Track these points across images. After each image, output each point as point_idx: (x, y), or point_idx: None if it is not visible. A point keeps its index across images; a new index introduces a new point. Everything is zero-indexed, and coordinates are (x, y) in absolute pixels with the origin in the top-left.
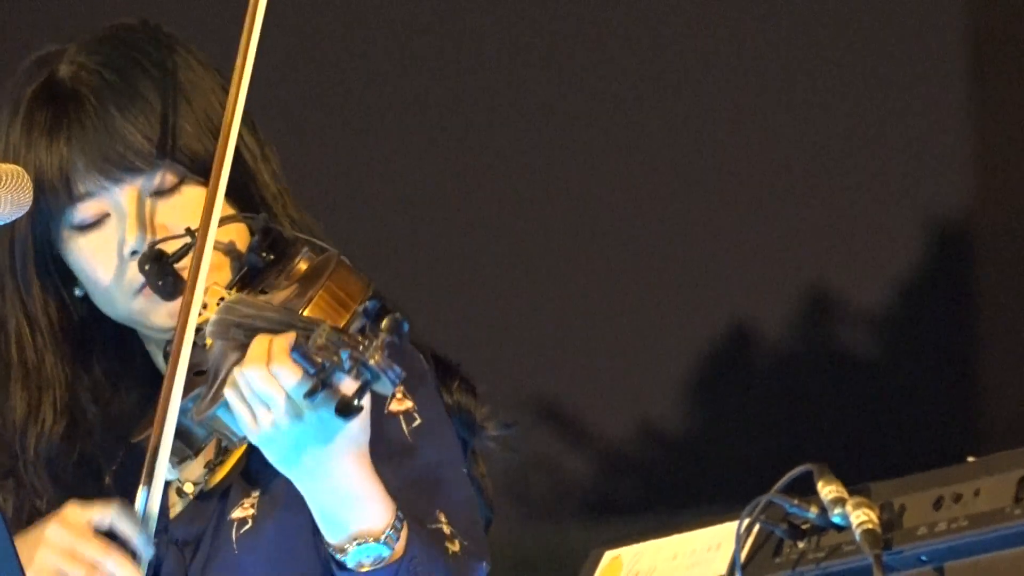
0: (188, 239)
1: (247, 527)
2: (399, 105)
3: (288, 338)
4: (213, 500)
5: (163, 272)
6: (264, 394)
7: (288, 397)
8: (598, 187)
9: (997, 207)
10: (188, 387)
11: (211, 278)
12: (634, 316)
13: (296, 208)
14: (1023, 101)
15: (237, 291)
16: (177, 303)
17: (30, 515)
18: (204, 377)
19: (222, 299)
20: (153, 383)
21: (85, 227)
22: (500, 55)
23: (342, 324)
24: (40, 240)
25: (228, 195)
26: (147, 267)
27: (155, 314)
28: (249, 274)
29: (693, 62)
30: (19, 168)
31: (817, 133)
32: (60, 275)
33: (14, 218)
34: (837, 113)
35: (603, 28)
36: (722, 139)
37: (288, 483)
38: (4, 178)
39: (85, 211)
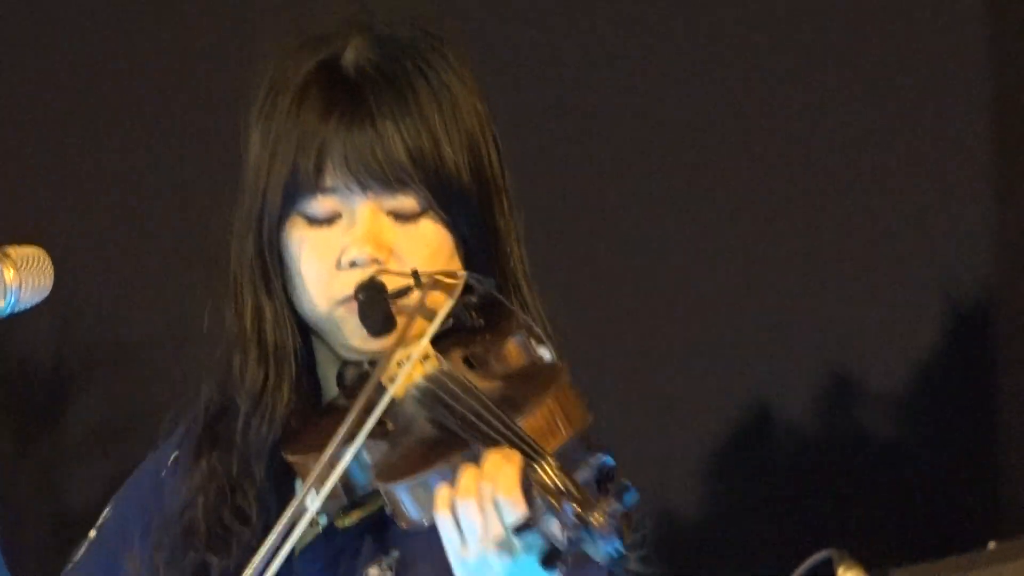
0: (411, 281)
1: None
2: None
3: (516, 466)
4: (339, 542)
5: (376, 307)
6: (479, 522)
7: (505, 530)
8: (619, 269)
9: (1016, 290)
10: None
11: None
12: (654, 397)
13: (530, 286)
14: None
15: (440, 350)
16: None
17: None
18: (385, 433)
19: (426, 357)
20: (315, 396)
21: (315, 220)
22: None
23: (551, 448)
24: (282, 217)
25: (467, 232)
26: (362, 296)
27: (352, 330)
28: (453, 328)
29: (711, 151)
30: (41, 251)
31: (840, 216)
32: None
33: (34, 303)
34: (860, 197)
35: (593, 91)
36: (747, 225)
37: (431, 555)
38: (29, 261)
39: (321, 205)
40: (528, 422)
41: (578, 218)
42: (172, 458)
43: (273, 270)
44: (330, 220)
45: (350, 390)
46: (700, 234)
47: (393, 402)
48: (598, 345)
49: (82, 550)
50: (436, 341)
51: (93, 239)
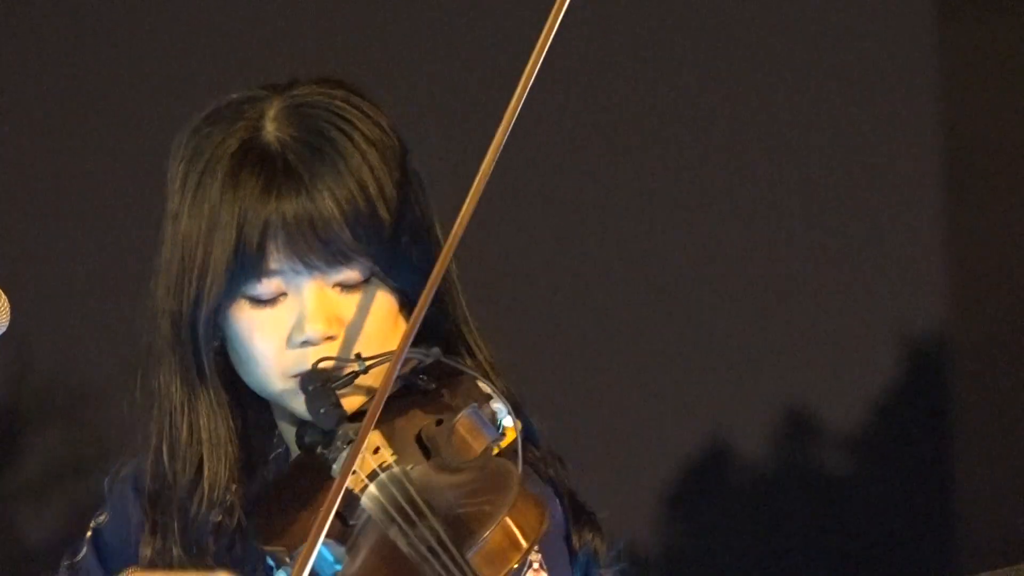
0: (356, 366)
1: None
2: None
3: None
4: None
5: (326, 399)
6: None
7: None
8: (579, 301)
9: (970, 326)
10: (330, 530)
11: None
12: (609, 434)
13: (471, 323)
14: (996, 220)
15: (391, 421)
16: None
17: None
18: (345, 532)
19: (376, 449)
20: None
21: (260, 301)
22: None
23: (507, 570)
24: (222, 302)
25: (412, 291)
26: (310, 388)
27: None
28: (404, 390)
29: (661, 181)
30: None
31: (792, 253)
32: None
33: None
34: (811, 231)
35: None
36: (702, 261)
37: None
38: None
39: (267, 287)
40: (483, 551)
41: (533, 257)
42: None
43: (206, 355)
44: (275, 299)
45: (310, 448)
46: (657, 269)
47: (352, 496)
48: (552, 378)
49: (84, 548)
50: (388, 405)
51: (52, 278)
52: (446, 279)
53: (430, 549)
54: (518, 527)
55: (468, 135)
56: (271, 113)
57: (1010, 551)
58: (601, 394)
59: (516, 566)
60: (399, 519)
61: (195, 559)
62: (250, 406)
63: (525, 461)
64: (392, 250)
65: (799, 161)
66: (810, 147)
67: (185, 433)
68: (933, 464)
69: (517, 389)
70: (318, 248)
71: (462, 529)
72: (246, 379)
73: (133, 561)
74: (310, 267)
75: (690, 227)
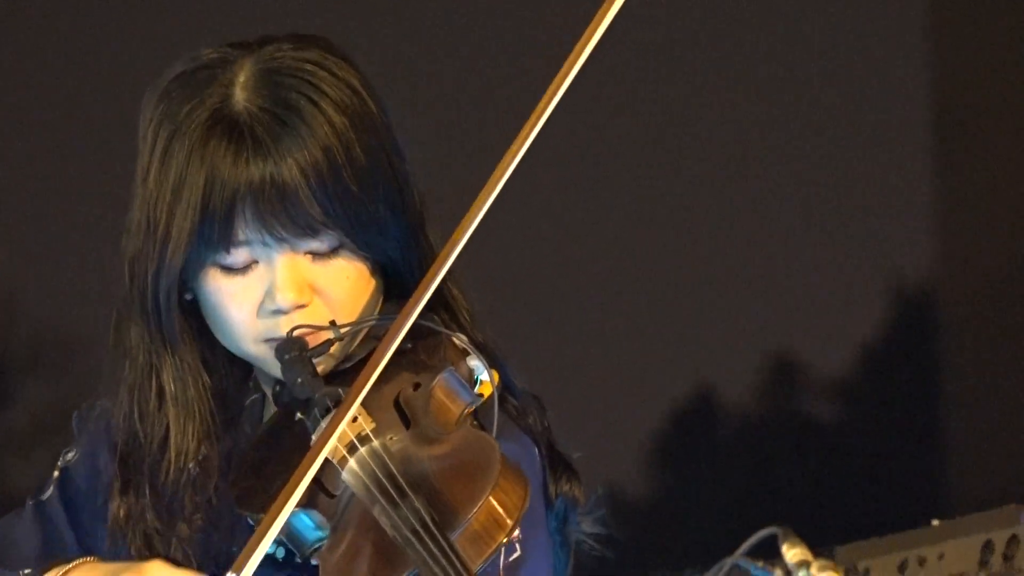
0: (331, 333)
1: None
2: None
3: None
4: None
5: (302, 368)
6: None
7: None
8: (567, 256)
9: (959, 275)
10: (310, 500)
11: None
12: (598, 381)
13: (453, 286)
14: (984, 175)
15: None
16: None
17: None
18: (328, 504)
19: (355, 419)
20: (259, 421)
21: (230, 270)
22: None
23: (491, 550)
24: (187, 269)
25: (383, 258)
26: (286, 358)
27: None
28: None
29: (660, 145)
30: None
31: (782, 202)
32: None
33: None
34: (802, 183)
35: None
36: (695, 214)
37: None
38: None
39: (236, 256)
40: (468, 532)
41: (527, 206)
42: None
43: (167, 321)
44: (247, 267)
45: (288, 409)
46: (648, 222)
47: (331, 466)
48: (543, 330)
49: (51, 486)
50: (366, 368)
51: (37, 233)
52: (419, 236)
53: (413, 531)
54: (502, 506)
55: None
56: (241, 79)
57: (996, 493)
58: (588, 342)
59: (502, 544)
60: (382, 499)
61: (166, 521)
62: (225, 359)
63: (502, 411)
64: (362, 219)
65: (790, 114)
66: (801, 101)
67: (154, 397)
68: (921, 410)
69: (496, 334)
70: (285, 220)
71: (446, 510)
72: (221, 341)
73: (99, 514)
74: (278, 239)
75: (678, 177)
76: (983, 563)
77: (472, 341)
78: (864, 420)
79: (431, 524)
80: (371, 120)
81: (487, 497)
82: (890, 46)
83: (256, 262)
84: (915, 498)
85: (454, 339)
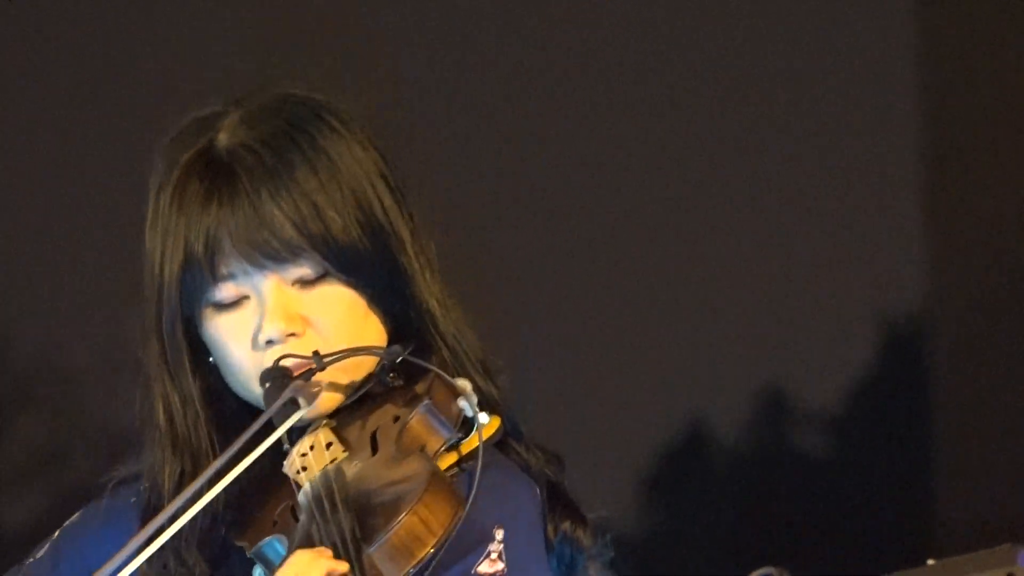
0: (313, 364)
1: None
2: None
3: None
4: None
5: (279, 395)
6: None
7: None
8: (559, 282)
9: (950, 307)
10: (284, 526)
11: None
12: (588, 415)
13: (447, 314)
14: (976, 201)
15: (349, 420)
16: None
17: None
18: (292, 527)
19: (329, 444)
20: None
21: (224, 306)
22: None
23: (408, 567)
24: (186, 309)
25: (372, 287)
26: (267, 384)
27: None
28: (375, 387)
29: (644, 164)
30: None
31: (770, 234)
32: (201, 344)
33: None
34: (789, 212)
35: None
36: (683, 240)
37: None
38: None
39: (225, 291)
40: (387, 546)
41: (512, 235)
42: (133, 502)
43: (180, 364)
44: (238, 302)
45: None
46: (638, 249)
47: (299, 490)
48: (536, 358)
49: (44, 548)
50: (357, 402)
51: (31, 263)
52: (408, 273)
53: (333, 544)
54: (424, 523)
55: (462, 134)
56: (225, 123)
57: (989, 533)
58: (579, 378)
59: (422, 560)
60: (316, 513)
61: (186, 566)
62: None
63: (506, 456)
64: (344, 249)
65: (777, 142)
66: (788, 128)
67: (169, 441)
68: (912, 446)
69: (506, 382)
70: (262, 246)
71: (368, 525)
72: (234, 388)
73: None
74: (259, 266)
75: (668, 211)
76: None
77: (476, 387)
78: (857, 457)
79: (348, 538)
80: (357, 155)
81: (406, 515)
82: (878, 61)
83: (247, 297)
84: (909, 537)
85: (445, 380)
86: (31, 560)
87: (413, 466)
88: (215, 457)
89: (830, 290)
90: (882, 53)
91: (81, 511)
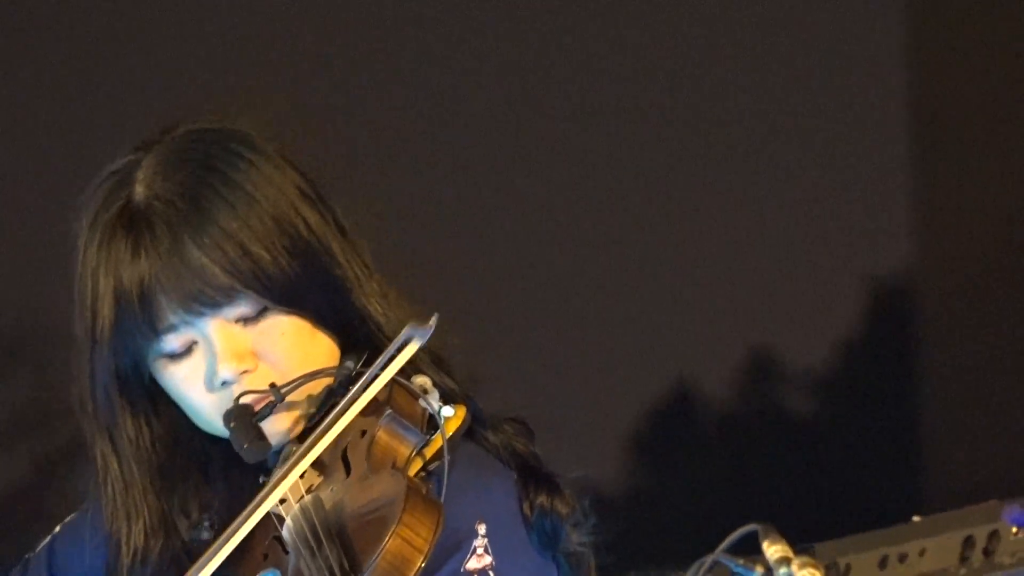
0: (272, 397)
1: None
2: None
3: None
4: None
5: (246, 434)
6: None
7: None
8: (542, 248)
9: (936, 271)
10: (275, 560)
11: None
12: (576, 376)
13: (387, 313)
14: (962, 162)
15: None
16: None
17: None
18: (285, 561)
19: (303, 475)
20: (240, 495)
21: (175, 356)
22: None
23: None
24: (126, 366)
25: (313, 308)
26: (232, 424)
27: None
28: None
29: (634, 131)
30: None
31: (758, 194)
32: (148, 396)
33: None
34: (778, 174)
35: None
36: (670, 204)
37: None
38: None
39: (173, 342)
40: (377, 571)
41: (504, 202)
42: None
43: (112, 422)
44: (189, 349)
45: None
46: (624, 213)
47: (282, 524)
48: (519, 325)
49: (44, 543)
50: (321, 423)
51: (15, 233)
52: (345, 285)
53: (335, 557)
54: (409, 542)
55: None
56: (140, 176)
57: (975, 491)
58: (563, 340)
59: (416, 574)
60: (303, 550)
61: None
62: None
63: (476, 444)
64: (276, 279)
65: (765, 105)
66: (777, 91)
67: (118, 501)
68: (898, 404)
69: (462, 362)
70: (197, 295)
71: (355, 553)
72: (201, 427)
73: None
74: (197, 314)
75: (655, 173)
76: (964, 559)
77: (433, 382)
78: (844, 416)
79: (339, 572)
80: (275, 182)
81: (389, 538)
82: (866, 28)
83: (195, 342)
84: (895, 494)
85: (403, 383)
86: (30, 556)
87: (387, 483)
88: (153, 513)
89: (817, 252)
90: (870, 28)
91: (77, 512)
